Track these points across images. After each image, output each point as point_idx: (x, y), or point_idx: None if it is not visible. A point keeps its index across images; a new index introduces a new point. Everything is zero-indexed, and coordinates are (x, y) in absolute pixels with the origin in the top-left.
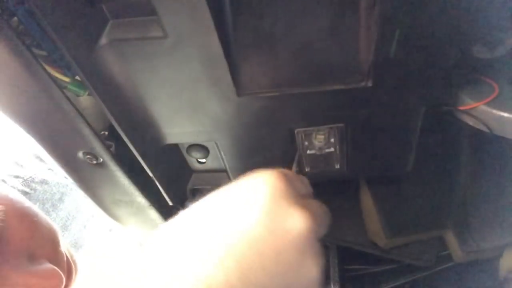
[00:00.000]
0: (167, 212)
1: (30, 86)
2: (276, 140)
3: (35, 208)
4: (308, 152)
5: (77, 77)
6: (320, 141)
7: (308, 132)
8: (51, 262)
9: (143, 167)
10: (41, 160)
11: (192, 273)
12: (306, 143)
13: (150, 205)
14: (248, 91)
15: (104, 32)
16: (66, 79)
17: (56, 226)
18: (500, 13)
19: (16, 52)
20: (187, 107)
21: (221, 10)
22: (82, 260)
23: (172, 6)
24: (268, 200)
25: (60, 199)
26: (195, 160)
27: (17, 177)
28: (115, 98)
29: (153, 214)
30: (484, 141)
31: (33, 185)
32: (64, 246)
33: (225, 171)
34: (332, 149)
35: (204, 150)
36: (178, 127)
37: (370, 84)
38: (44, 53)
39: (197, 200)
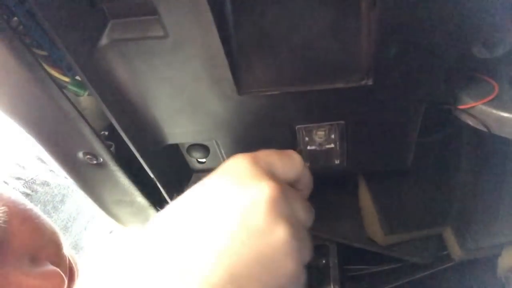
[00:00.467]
0: None
1: (30, 86)
2: (277, 137)
3: (37, 210)
4: (309, 147)
5: (77, 77)
6: (320, 137)
7: (309, 128)
8: (53, 264)
9: (143, 167)
10: (42, 162)
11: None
12: (307, 139)
13: (150, 205)
14: (249, 89)
15: (105, 32)
16: (66, 79)
17: (57, 228)
18: (500, 13)
19: (16, 52)
20: (188, 106)
21: (222, 9)
22: (82, 262)
23: (172, 5)
24: (259, 212)
25: (61, 201)
26: (195, 160)
27: (18, 178)
28: (116, 98)
29: (153, 214)
30: (483, 140)
31: (35, 186)
32: (66, 248)
33: None
34: (332, 145)
35: (204, 150)
36: (179, 127)
37: (370, 82)
38: (44, 53)
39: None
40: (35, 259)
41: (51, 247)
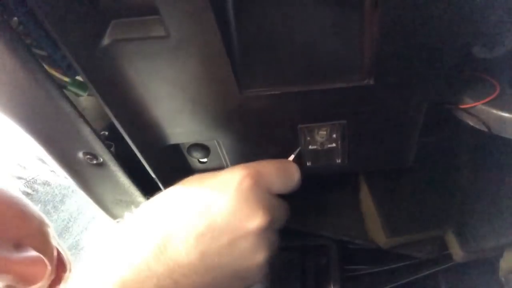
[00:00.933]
0: None
1: (30, 86)
2: (279, 137)
3: (24, 199)
4: (310, 147)
5: (77, 77)
6: (322, 137)
7: (310, 128)
8: (39, 253)
9: (143, 167)
10: (43, 162)
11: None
12: (308, 138)
13: None
14: (251, 89)
15: (106, 32)
16: (66, 79)
17: (46, 219)
18: (500, 13)
19: (16, 52)
20: (189, 106)
21: (223, 9)
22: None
23: (174, 5)
24: (234, 196)
25: (61, 201)
26: (196, 160)
27: (19, 178)
28: (117, 98)
29: None
30: (484, 141)
31: (35, 186)
32: (55, 240)
33: None
34: (334, 145)
35: (205, 150)
36: (180, 127)
37: (372, 82)
38: (44, 53)
39: None
40: (19, 246)
41: (37, 235)
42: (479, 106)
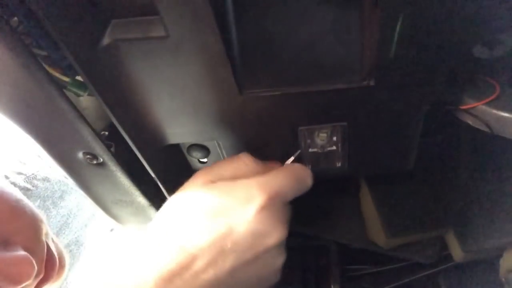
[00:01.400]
0: None
1: (30, 86)
2: (279, 138)
3: (18, 194)
4: (310, 150)
5: (77, 77)
6: (322, 140)
7: (310, 130)
8: (28, 251)
9: (143, 167)
10: (43, 158)
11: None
12: (309, 141)
13: (150, 205)
14: (251, 90)
15: (106, 32)
16: (66, 79)
17: (39, 214)
18: (500, 13)
19: (16, 52)
20: (189, 106)
21: (223, 9)
22: (82, 259)
23: (174, 5)
24: (254, 219)
25: (61, 197)
26: (196, 160)
27: (19, 173)
28: (117, 98)
29: (153, 214)
30: (484, 141)
31: (35, 182)
32: (50, 237)
33: None
34: (334, 148)
35: (205, 150)
36: (180, 127)
37: (372, 83)
38: (44, 53)
39: None
40: (7, 243)
41: (28, 233)
42: (480, 106)
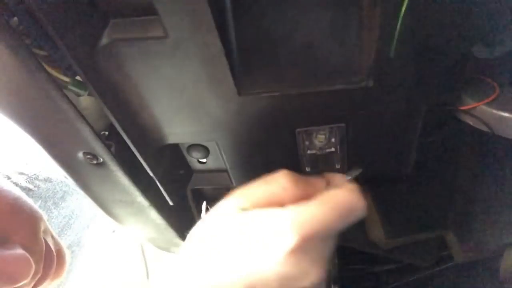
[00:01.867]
0: (167, 212)
1: (30, 86)
2: (277, 140)
3: (17, 191)
4: (309, 152)
5: (77, 77)
6: (321, 141)
7: (309, 132)
8: (26, 250)
9: (143, 167)
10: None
11: None
12: (307, 142)
13: (150, 205)
14: (249, 91)
15: (105, 32)
16: (66, 79)
17: (41, 213)
18: (500, 13)
19: (16, 52)
20: (188, 107)
21: (222, 10)
22: (84, 260)
23: (173, 5)
24: (285, 262)
25: (62, 198)
26: (196, 160)
27: (21, 173)
28: (116, 98)
29: (153, 214)
30: (484, 141)
31: (37, 182)
32: (49, 233)
33: (225, 171)
34: (332, 149)
35: (205, 150)
36: (178, 127)
37: (371, 84)
38: (44, 53)
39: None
40: (5, 241)
41: (26, 231)
42: (480, 106)
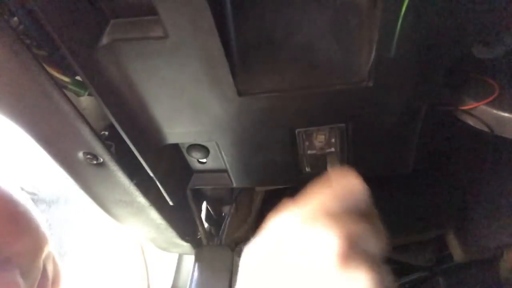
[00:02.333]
0: (167, 212)
1: (30, 86)
2: (277, 140)
3: (32, 214)
4: (309, 152)
5: (77, 77)
6: (320, 141)
7: (308, 132)
8: (22, 274)
9: (143, 167)
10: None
11: None
12: (307, 143)
13: (150, 205)
14: (249, 91)
15: (105, 32)
16: (66, 79)
17: (47, 237)
18: (500, 13)
19: (16, 52)
20: (188, 107)
21: (222, 10)
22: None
23: (173, 6)
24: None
25: (65, 201)
26: (196, 160)
27: (24, 177)
28: (116, 98)
29: (153, 214)
30: (484, 141)
31: (39, 186)
32: (51, 258)
33: (225, 171)
34: (332, 149)
35: (204, 150)
36: (178, 127)
37: (371, 84)
38: (44, 53)
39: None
40: (4, 263)
41: (27, 255)
42: (480, 106)
